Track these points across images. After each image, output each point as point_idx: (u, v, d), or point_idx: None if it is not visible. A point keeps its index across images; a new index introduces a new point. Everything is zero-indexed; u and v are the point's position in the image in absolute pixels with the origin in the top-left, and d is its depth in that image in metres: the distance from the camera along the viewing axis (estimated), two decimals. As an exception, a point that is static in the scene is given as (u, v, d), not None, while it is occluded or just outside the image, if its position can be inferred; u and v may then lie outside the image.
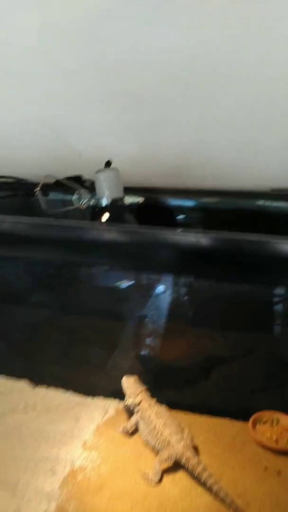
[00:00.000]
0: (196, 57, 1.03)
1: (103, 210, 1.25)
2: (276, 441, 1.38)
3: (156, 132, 1.40)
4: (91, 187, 1.41)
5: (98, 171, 1.25)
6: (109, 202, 1.23)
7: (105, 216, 1.24)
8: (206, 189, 1.48)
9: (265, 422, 1.45)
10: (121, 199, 1.26)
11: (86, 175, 1.44)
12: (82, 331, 1.81)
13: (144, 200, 1.45)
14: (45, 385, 1.69)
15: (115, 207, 1.24)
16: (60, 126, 1.41)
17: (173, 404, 1.52)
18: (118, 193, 1.25)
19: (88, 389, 1.64)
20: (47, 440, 1.45)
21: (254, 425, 1.43)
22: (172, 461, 1.28)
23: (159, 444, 1.32)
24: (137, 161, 1.51)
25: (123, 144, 1.44)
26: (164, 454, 1.29)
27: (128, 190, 1.36)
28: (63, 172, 1.41)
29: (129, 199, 1.42)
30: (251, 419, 1.44)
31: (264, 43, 0.98)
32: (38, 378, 1.70)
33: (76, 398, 1.65)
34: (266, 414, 1.46)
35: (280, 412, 1.46)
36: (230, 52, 1.01)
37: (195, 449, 1.34)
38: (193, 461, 1.24)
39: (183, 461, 1.26)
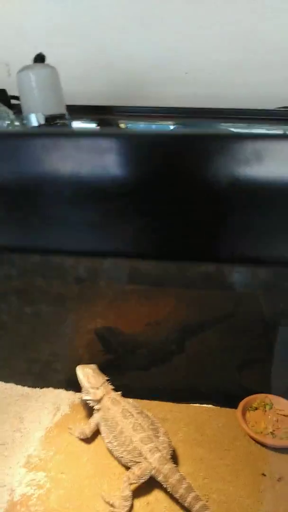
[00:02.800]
0: None
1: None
2: (273, 433, 1.11)
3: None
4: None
5: (23, 69, 0.76)
6: (43, 120, 0.76)
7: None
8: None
9: (256, 408, 1.17)
10: (62, 116, 0.79)
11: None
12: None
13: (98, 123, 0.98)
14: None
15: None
16: None
17: (143, 394, 1.20)
18: (57, 107, 0.78)
19: (34, 379, 1.28)
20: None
21: (243, 413, 1.15)
22: (145, 479, 0.97)
23: (127, 455, 1.00)
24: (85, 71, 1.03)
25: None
26: (135, 471, 0.97)
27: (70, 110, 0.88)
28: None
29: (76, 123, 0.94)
30: (240, 406, 1.15)
31: None
32: None
33: (20, 389, 1.29)
34: (257, 399, 1.18)
35: (272, 395, 1.18)
36: None
37: (174, 455, 1.04)
38: (172, 479, 0.94)
39: (160, 478, 0.95)
